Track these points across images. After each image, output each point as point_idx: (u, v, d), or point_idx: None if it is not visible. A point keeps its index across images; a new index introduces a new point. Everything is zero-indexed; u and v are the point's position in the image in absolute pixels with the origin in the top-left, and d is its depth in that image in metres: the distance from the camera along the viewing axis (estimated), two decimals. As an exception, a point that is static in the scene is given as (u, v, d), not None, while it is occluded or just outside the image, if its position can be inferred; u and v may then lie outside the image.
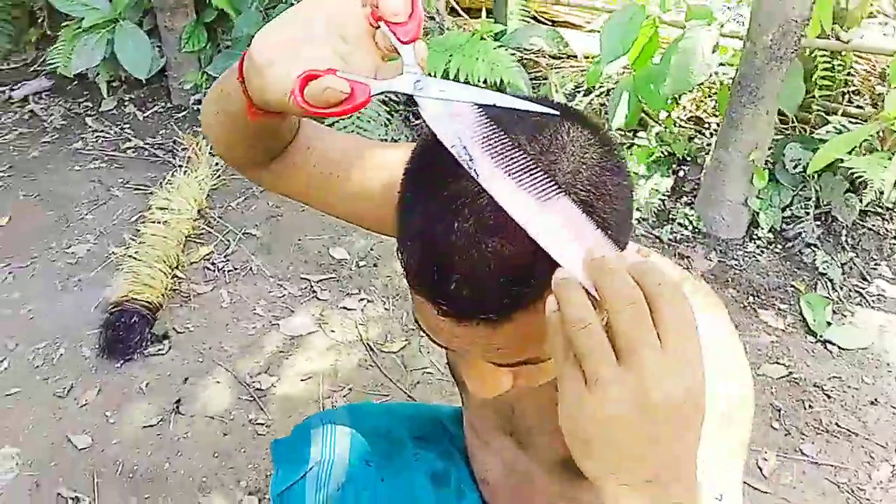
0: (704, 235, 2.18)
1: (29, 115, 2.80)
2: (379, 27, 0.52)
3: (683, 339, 0.42)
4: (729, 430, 0.61)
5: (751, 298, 1.99)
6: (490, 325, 0.49)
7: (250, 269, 2.06)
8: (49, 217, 2.26)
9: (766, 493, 1.51)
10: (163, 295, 1.90)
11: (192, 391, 1.69)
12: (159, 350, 1.79)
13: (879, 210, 2.20)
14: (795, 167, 2.13)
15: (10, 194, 2.36)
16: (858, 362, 1.81)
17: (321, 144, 0.76)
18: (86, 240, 2.17)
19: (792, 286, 2.02)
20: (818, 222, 2.14)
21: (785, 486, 1.52)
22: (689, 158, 2.35)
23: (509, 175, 0.46)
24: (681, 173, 2.35)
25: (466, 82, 2.30)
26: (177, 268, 2.02)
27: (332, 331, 1.86)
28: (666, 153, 2.33)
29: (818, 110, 2.26)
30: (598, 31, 2.22)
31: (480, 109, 0.50)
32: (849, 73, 2.33)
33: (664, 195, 2.25)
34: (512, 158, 0.47)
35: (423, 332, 0.56)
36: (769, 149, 2.13)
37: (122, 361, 1.75)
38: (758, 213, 2.14)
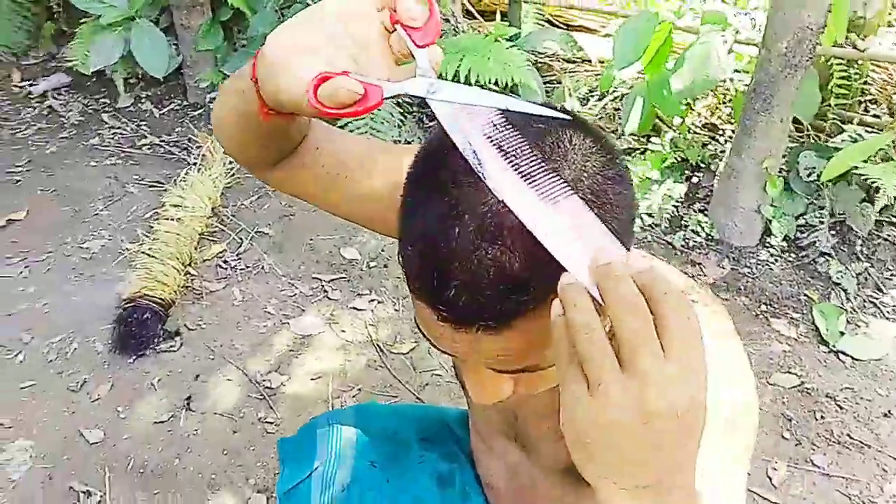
0: (717, 242, 2.17)
1: (48, 111, 2.84)
2: (395, 30, 0.52)
3: (688, 348, 0.42)
4: (733, 437, 0.61)
5: (763, 307, 1.98)
6: (489, 331, 0.49)
7: (262, 267, 2.08)
8: (65, 212, 2.28)
9: (776, 503, 1.50)
10: (175, 292, 1.91)
11: (203, 388, 1.70)
12: (171, 346, 1.80)
13: (895, 220, 2.18)
14: (809, 175, 2.12)
15: (27, 189, 2.39)
16: (872, 373, 1.79)
17: (331, 146, 0.76)
18: (100, 235, 2.19)
19: (805, 295, 2.01)
20: (832, 231, 2.12)
21: (795, 497, 1.51)
22: (702, 165, 2.34)
23: (519, 177, 0.46)
24: (694, 179, 2.34)
25: (478, 82, 2.29)
26: (190, 265, 2.03)
27: (343, 331, 1.87)
28: (679, 159, 2.33)
29: (834, 119, 2.24)
30: (613, 36, 2.22)
31: (491, 113, 0.50)
32: (865, 82, 2.31)
33: (677, 201, 2.24)
34: (521, 161, 0.47)
35: (425, 336, 0.56)
36: (784, 157, 2.12)
37: (134, 357, 1.77)
38: (771, 221, 2.12)
